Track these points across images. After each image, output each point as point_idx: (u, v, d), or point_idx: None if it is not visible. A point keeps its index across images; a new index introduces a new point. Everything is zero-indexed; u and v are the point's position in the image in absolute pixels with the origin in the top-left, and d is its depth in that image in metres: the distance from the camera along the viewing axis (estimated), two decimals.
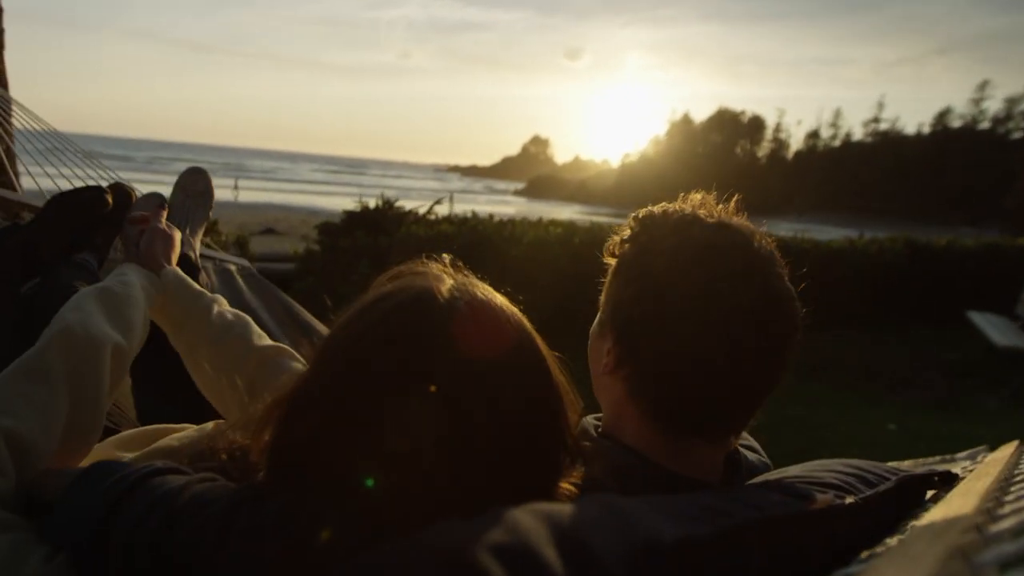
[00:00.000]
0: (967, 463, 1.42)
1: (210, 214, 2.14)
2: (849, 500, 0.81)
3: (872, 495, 0.84)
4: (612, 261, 1.00)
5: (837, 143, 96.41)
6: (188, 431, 1.15)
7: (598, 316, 1.01)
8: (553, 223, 8.14)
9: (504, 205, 60.31)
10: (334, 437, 0.69)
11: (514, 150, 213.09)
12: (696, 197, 1.00)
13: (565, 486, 0.75)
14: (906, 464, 2.01)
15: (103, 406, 1.04)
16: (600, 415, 1.03)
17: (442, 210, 8.18)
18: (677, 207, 0.98)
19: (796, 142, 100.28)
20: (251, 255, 8.07)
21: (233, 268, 2.46)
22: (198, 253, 1.99)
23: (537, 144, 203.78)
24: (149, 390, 1.61)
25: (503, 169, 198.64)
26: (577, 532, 0.55)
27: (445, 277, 0.77)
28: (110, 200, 1.80)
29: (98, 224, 1.79)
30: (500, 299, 0.77)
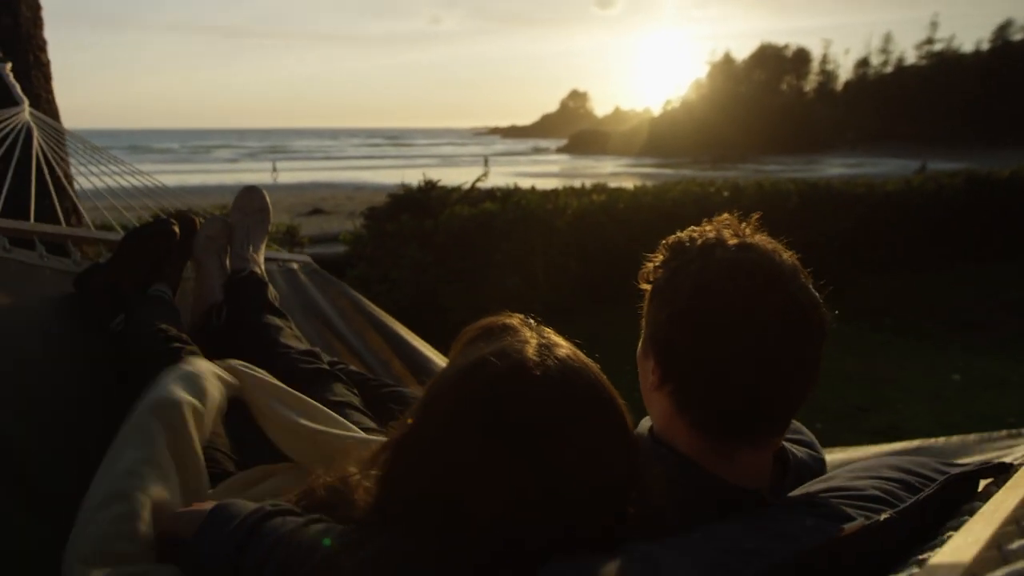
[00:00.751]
0: None
1: (269, 227, 2.24)
2: (884, 516, 0.84)
3: (912, 504, 0.88)
4: (647, 287, 1.06)
5: (889, 69, 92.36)
6: (287, 472, 1.26)
7: (641, 337, 1.08)
8: (596, 190, 8.09)
9: (546, 164, 59.86)
10: (438, 485, 0.80)
11: (553, 107, 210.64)
12: (721, 218, 1.06)
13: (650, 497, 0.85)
14: (971, 439, 1.98)
15: (199, 454, 1.18)
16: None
17: (485, 179, 8.19)
18: (702, 230, 1.05)
19: (845, 72, 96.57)
20: (301, 240, 8.26)
21: (296, 267, 2.61)
22: (263, 266, 2.11)
23: (576, 99, 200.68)
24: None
25: (543, 127, 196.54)
26: None
27: (531, 339, 0.88)
28: (177, 231, 1.93)
29: (169, 254, 1.92)
30: (576, 353, 0.89)
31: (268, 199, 2.24)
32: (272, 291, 2.04)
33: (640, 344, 1.08)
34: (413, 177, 8.03)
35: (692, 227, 1.07)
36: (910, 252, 8.71)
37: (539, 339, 0.88)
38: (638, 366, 1.09)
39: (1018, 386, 4.88)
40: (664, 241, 1.08)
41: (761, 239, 1.02)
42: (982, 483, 0.98)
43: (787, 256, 0.99)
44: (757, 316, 0.92)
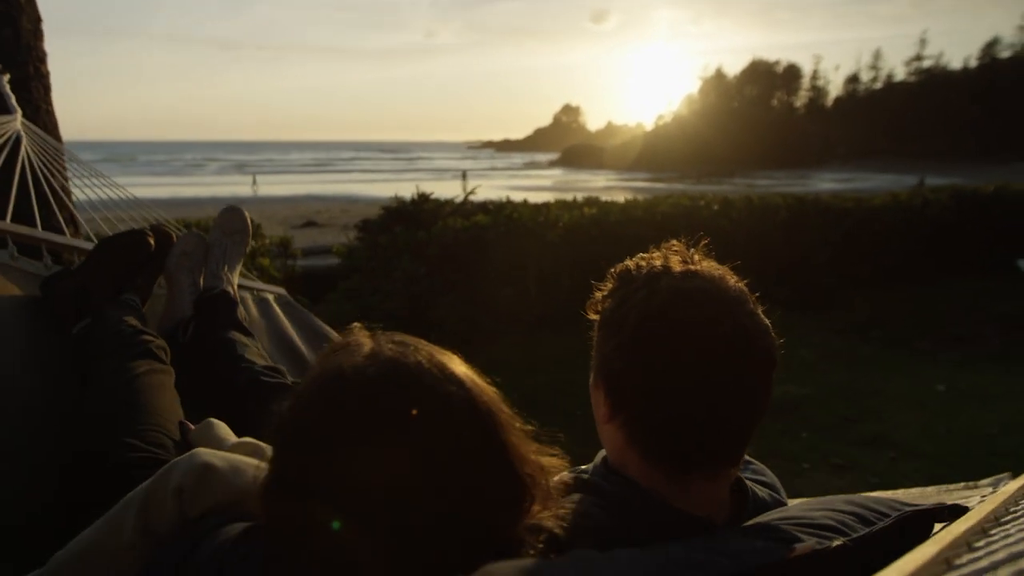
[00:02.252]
0: (988, 491, 1.39)
1: (247, 249, 2.25)
2: (836, 543, 0.83)
3: (864, 535, 0.87)
4: (595, 317, 1.05)
5: (879, 86, 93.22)
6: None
7: (592, 370, 1.06)
8: (588, 203, 8.17)
9: (539, 178, 60.06)
10: (288, 501, 0.80)
11: (546, 121, 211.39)
12: (669, 244, 1.05)
13: (549, 522, 0.82)
14: (930, 491, 1.98)
15: None
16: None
17: (474, 193, 8.27)
18: (649, 257, 1.04)
19: (835, 88, 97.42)
20: (294, 252, 8.30)
21: (271, 297, 2.59)
22: (236, 287, 2.11)
23: (568, 113, 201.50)
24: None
25: (536, 141, 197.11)
26: None
27: (362, 345, 0.83)
28: (152, 243, 1.93)
29: (142, 266, 1.92)
30: (419, 350, 0.83)
31: (249, 220, 2.23)
32: (242, 312, 2.05)
33: (591, 375, 1.06)
34: (406, 190, 8.08)
35: (640, 254, 1.06)
36: (897, 266, 8.81)
37: (372, 344, 0.84)
38: (591, 397, 1.06)
39: (1002, 398, 4.95)
40: (611, 270, 1.06)
41: (708, 265, 1.01)
42: (937, 526, 0.95)
43: (734, 282, 0.99)
44: (704, 345, 0.91)
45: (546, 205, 7.77)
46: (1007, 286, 8.29)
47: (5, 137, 2.53)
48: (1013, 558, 0.65)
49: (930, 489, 1.68)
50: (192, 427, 1.41)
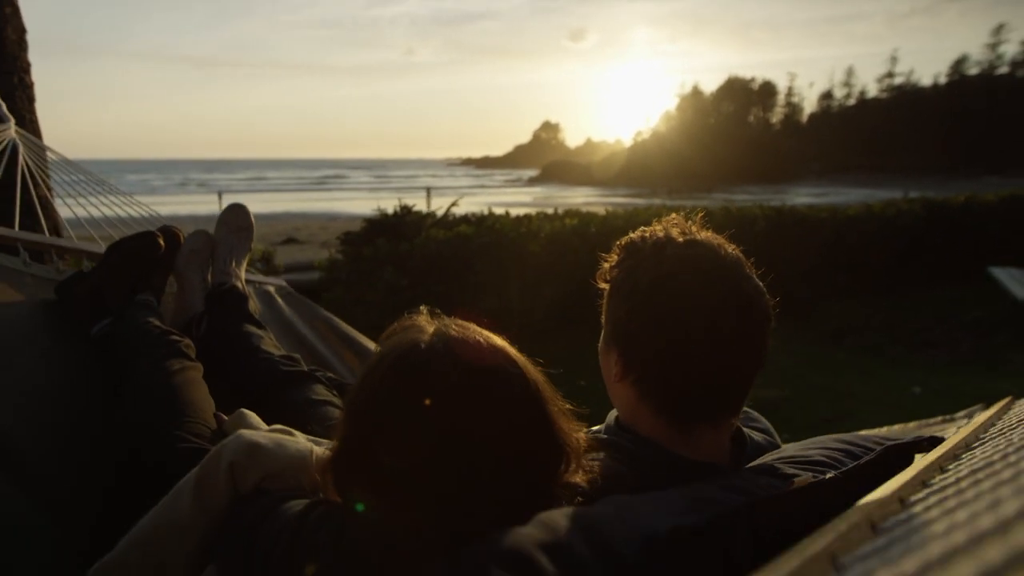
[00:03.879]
0: (964, 422, 1.49)
1: (251, 245, 2.31)
2: (829, 475, 0.93)
3: (853, 468, 0.96)
4: (605, 286, 1.14)
5: (852, 102, 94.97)
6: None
7: (602, 334, 1.15)
8: (569, 214, 8.26)
9: (519, 195, 60.34)
10: (367, 472, 0.89)
11: (525, 138, 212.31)
12: (671, 217, 1.15)
13: (579, 479, 0.92)
14: (911, 426, 2.10)
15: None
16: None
17: (459, 205, 8.33)
18: (653, 230, 1.14)
19: (810, 105, 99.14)
20: (277, 267, 8.30)
21: (272, 289, 2.66)
22: (244, 281, 2.17)
23: (548, 130, 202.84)
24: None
25: (515, 158, 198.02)
26: (598, 527, 0.74)
27: (426, 327, 0.94)
28: (162, 243, 1.98)
29: (154, 266, 1.97)
30: (478, 332, 0.94)
31: (252, 217, 2.30)
32: (253, 304, 2.11)
33: (601, 340, 1.14)
34: (387, 206, 8.13)
35: (643, 227, 1.15)
36: (871, 274, 8.98)
37: (437, 326, 0.94)
38: (600, 361, 1.15)
39: (973, 397, 5.04)
40: (618, 242, 1.15)
41: (706, 235, 1.10)
42: (917, 457, 1.04)
43: (731, 249, 1.08)
44: (709, 306, 1.00)
45: (527, 217, 7.86)
46: (978, 293, 8.47)
47: (4, 144, 2.56)
48: (973, 472, 0.73)
49: (912, 425, 1.78)
50: (226, 417, 1.48)
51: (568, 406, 0.97)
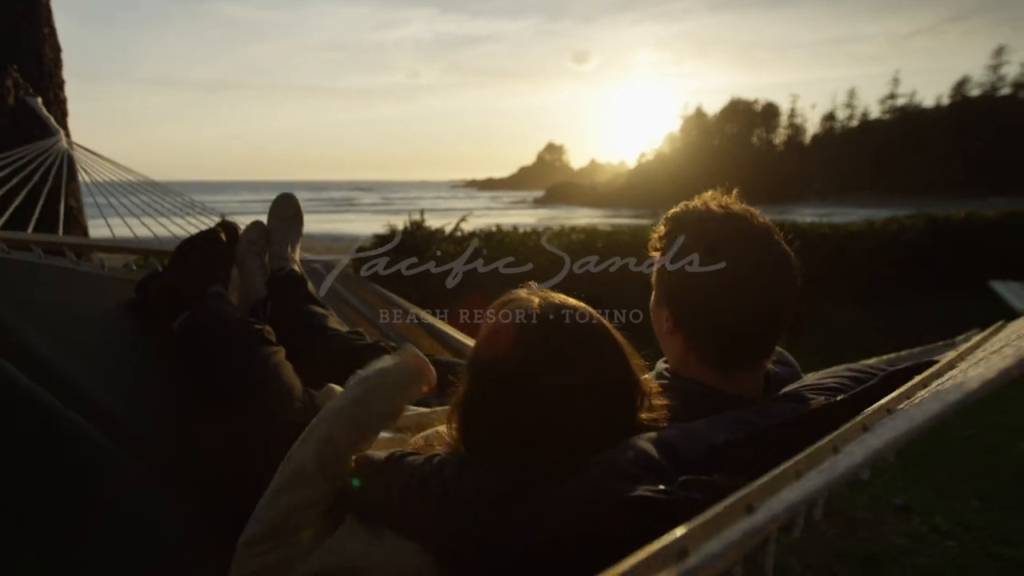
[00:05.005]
0: (964, 347, 1.61)
1: (302, 230, 2.46)
2: (840, 398, 1.09)
3: (860, 391, 1.11)
4: (656, 254, 1.35)
5: (854, 123, 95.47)
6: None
7: (653, 293, 1.37)
8: (575, 230, 8.41)
9: (525, 215, 60.62)
10: (495, 419, 1.09)
11: (529, 159, 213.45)
12: (707, 193, 1.36)
13: (648, 416, 1.12)
14: (916, 351, 2.27)
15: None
16: (665, 359, 1.39)
17: (467, 222, 8.49)
18: (694, 204, 1.35)
19: (813, 126, 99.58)
20: None
21: (319, 266, 2.86)
22: (300, 264, 2.32)
23: (552, 151, 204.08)
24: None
25: (520, 179, 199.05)
26: (669, 443, 0.96)
27: (532, 298, 1.17)
28: (224, 237, 2.15)
29: (219, 259, 2.12)
30: (571, 300, 1.18)
31: (300, 204, 2.45)
32: (311, 285, 2.25)
33: (652, 299, 1.36)
34: (397, 224, 8.29)
35: (684, 201, 1.37)
36: (873, 289, 9.09)
37: (538, 297, 1.17)
38: (652, 316, 1.37)
39: (977, 406, 5.15)
40: (664, 216, 1.37)
41: (740, 207, 1.30)
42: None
43: (763, 219, 1.28)
44: (748, 268, 1.20)
45: (535, 232, 8.01)
46: (979, 306, 8.57)
47: (57, 156, 2.74)
48: (939, 377, 0.87)
49: (917, 350, 1.95)
50: (315, 392, 1.66)
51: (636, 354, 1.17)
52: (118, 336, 1.83)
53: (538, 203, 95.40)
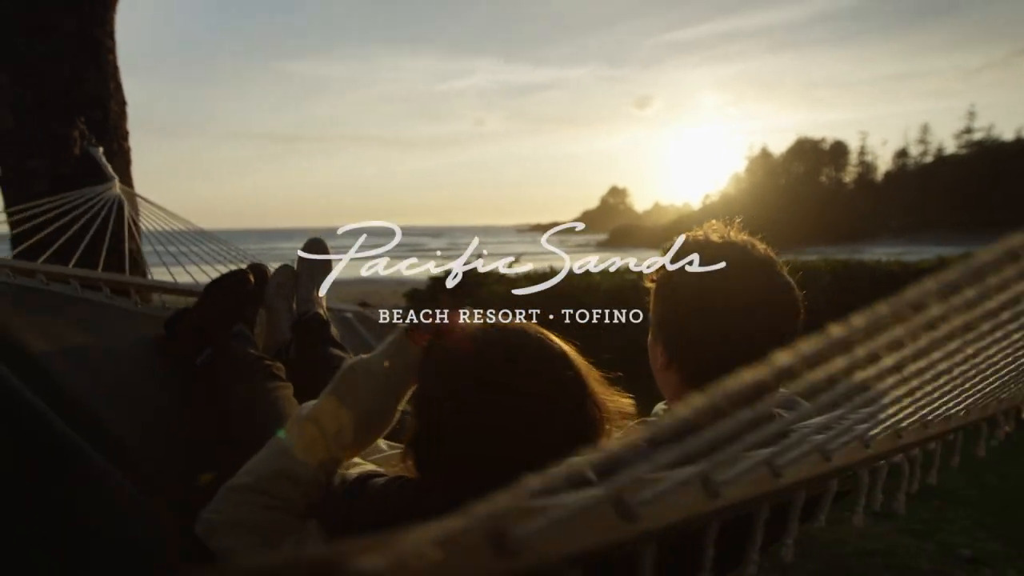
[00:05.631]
0: None
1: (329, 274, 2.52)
2: None
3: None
4: (652, 285, 1.30)
5: (929, 159, 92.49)
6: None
7: (651, 328, 1.30)
8: (627, 271, 8.33)
9: (589, 258, 60.43)
10: (445, 456, 1.09)
11: (593, 203, 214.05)
12: (711, 223, 1.30)
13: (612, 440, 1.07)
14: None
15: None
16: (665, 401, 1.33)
17: (521, 263, 8.53)
18: (694, 234, 1.29)
19: (884, 163, 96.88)
20: None
21: (350, 315, 2.90)
22: (325, 308, 2.36)
23: (615, 195, 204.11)
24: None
25: (584, 223, 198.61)
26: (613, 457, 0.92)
27: (479, 330, 1.14)
28: (252, 279, 2.21)
29: (246, 300, 2.18)
30: (525, 328, 1.14)
31: (329, 249, 2.50)
32: (334, 329, 2.29)
33: (650, 333, 1.30)
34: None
35: (685, 232, 1.31)
36: None
37: (484, 324, 1.16)
38: (648, 352, 1.30)
39: None
40: (662, 246, 1.31)
41: (740, 237, 1.25)
42: None
43: (762, 249, 1.22)
44: (743, 301, 1.14)
45: (587, 272, 7.96)
46: None
47: (109, 201, 2.89)
48: None
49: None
50: None
51: (603, 377, 1.15)
52: (141, 369, 1.89)
53: (601, 246, 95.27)
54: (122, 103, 3.75)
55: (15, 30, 3.45)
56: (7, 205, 3.15)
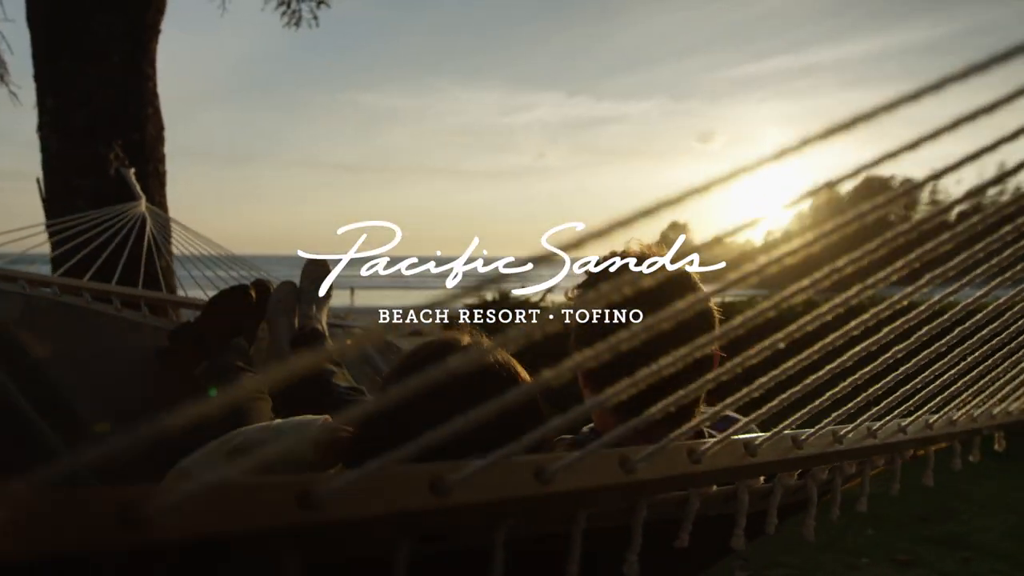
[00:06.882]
0: None
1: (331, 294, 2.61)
2: None
3: None
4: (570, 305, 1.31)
5: (1006, 197, 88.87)
6: None
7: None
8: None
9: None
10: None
11: (652, 238, 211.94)
12: (633, 239, 1.33)
13: None
14: None
15: None
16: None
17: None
18: (616, 251, 1.32)
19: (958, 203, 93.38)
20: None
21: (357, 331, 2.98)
22: (324, 324, 2.45)
23: (675, 229, 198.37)
24: None
25: None
26: None
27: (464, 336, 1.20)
28: (253, 294, 2.31)
29: (247, 314, 2.28)
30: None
31: (330, 268, 2.59)
32: (329, 343, 2.37)
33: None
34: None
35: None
36: None
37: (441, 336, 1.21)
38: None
39: None
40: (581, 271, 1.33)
41: (658, 250, 1.29)
42: None
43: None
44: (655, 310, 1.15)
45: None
46: None
47: (134, 217, 3.08)
48: None
49: None
50: None
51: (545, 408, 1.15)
52: (142, 377, 1.99)
53: None
54: (159, 127, 3.98)
55: (65, 56, 3.72)
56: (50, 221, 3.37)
